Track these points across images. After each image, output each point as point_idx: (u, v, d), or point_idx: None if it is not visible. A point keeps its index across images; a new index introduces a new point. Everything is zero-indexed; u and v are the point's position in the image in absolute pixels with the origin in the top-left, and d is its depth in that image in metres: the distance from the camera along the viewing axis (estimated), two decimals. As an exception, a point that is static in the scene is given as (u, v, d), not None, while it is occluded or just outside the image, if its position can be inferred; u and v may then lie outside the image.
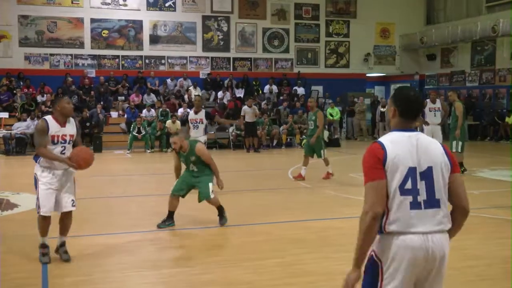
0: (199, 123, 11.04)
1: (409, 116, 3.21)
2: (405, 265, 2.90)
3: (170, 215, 7.80)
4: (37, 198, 6.07)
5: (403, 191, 2.94)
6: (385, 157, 2.97)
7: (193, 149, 7.60)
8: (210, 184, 7.62)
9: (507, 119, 22.40)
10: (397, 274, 2.91)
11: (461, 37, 24.82)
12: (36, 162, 6.09)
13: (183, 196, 7.84)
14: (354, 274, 2.95)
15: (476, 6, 25.60)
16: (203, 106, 12.42)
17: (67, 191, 6.16)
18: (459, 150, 13.02)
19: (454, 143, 13.11)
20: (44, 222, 6.14)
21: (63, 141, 6.03)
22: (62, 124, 6.03)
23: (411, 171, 2.97)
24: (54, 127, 5.97)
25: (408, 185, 2.95)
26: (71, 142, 6.11)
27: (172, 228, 7.77)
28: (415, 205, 2.94)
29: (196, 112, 11.16)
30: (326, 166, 12.60)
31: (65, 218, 6.26)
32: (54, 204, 6.09)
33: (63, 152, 6.04)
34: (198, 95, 14.66)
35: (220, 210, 7.80)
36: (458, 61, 26.57)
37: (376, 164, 2.96)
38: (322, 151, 12.37)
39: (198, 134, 10.87)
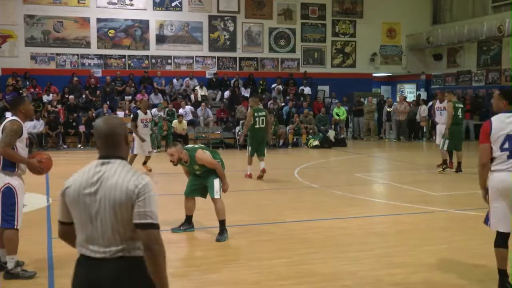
0: (149, 122, 13.42)
1: None
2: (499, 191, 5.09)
3: (187, 219, 7.62)
4: (15, 210, 5.55)
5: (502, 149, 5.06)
6: (490, 129, 5.10)
7: (193, 158, 7.17)
8: (216, 182, 7.22)
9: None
10: (495, 195, 5.14)
11: (467, 37, 24.73)
12: (10, 170, 5.56)
13: (202, 196, 7.57)
14: (482, 191, 5.39)
15: (482, 6, 25.50)
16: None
17: None
18: (444, 148, 13.44)
19: (441, 140, 13.49)
20: (17, 236, 5.66)
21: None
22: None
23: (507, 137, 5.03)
24: (24, 129, 5.65)
25: (506, 145, 5.04)
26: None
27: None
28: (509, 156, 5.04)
29: (145, 113, 13.30)
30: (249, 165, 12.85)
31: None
32: None
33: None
34: (144, 99, 16.73)
35: (222, 225, 7.27)
36: (465, 61, 26.48)
37: (484, 134, 5.15)
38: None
39: (147, 132, 13.48)
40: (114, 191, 2.75)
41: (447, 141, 13.33)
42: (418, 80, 29.04)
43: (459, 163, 13.53)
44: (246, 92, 24.08)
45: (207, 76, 24.98)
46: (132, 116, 13.95)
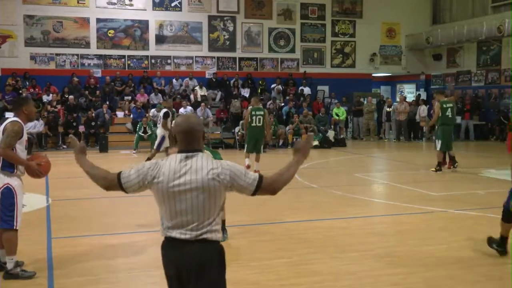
0: None
1: None
2: None
3: None
4: (14, 210, 5.54)
5: None
6: None
7: None
8: None
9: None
10: None
11: (467, 37, 24.72)
12: (9, 171, 5.55)
13: None
14: None
15: (481, 6, 25.50)
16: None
17: None
18: (437, 148, 13.57)
19: (436, 141, 13.64)
20: (16, 237, 5.67)
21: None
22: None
23: None
24: (24, 131, 5.65)
25: None
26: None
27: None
28: None
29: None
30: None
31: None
32: None
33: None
34: (169, 100, 17.52)
35: (222, 225, 7.40)
36: (464, 61, 26.49)
37: None
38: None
39: None
40: (204, 181, 3.12)
41: (440, 141, 13.40)
42: (417, 80, 29.04)
43: (452, 158, 13.59)
44: (245, 92, 24.07)
45: (207, 76, 24.98)
46: (163, 114, 14.52)
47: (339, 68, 27.14)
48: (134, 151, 19.06)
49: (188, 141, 3.25)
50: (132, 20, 24.15)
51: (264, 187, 3.29)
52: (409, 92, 29.40)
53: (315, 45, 26.86)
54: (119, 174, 3.32)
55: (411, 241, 7.12)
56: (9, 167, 5.56)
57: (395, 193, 11.12)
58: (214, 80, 24.56)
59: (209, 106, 22.64)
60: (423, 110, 23.09)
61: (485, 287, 5.50)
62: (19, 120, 5.58)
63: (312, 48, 26.86)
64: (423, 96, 26.97)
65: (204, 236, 3.16)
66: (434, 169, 13.49)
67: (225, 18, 25.38)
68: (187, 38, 24.86)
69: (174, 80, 24.02)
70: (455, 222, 8.29)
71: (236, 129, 20.84)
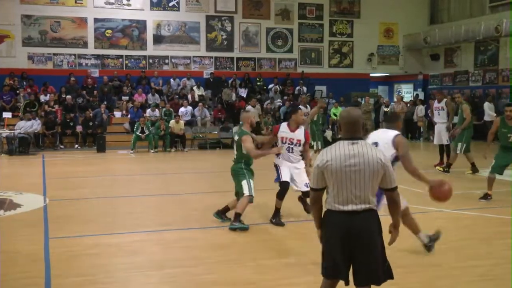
0: None
1: None
2: None
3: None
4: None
5: None
6: None
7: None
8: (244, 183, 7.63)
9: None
10: None
11: (464, 37, 24.72)
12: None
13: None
14: None
15: (479, 6, 25.53)
16: None
17: None
18: (458, 152, 13.27)
19: (459, 144, 13.14)
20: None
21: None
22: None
23: None
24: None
25: None
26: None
27: (178, 227, 7.77)
28: None
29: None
30: None
31: None
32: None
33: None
34: None
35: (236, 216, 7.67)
36: (462, 61, 26.51)
37: None
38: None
39: None
40: (372, 163, 3.80)
41: (463, 144, 13.13)
42: (415, 80, 29.06)
43: (472, 163, 13.42)
44: (243, 92, 24.05)
45: (205, 76, 24.98)
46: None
47: (337, 68, 27.16)
48: (131, 151, 19.06)
49: (352, 130, 3.92)
50: (130, 20, 24.14)
51: (393, 194, 4.00)
52: (406, 92, 29.42)
53: (313, 45, 26.87)
54: None
55: (410, 241, 7.11)
56: None
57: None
58: (212, 80, 24.54)
59: (207, 106, 22.65)
60: (420, 110, 23.10)
61: (481, 287, 5.50)
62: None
63: (310, 48, 26.87)
64: (421, 96, 27.01)
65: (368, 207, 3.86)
66: (470, 171, 13.25)
67: (222, 18, 25.38)
68: (184, 38, 24.85)
69: (171, 80, 24.01)
70: (452, 222, 8.30)
71: (234, 129, 20.83)
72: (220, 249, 6.75)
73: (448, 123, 14.24)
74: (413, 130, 23.93)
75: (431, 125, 19.20)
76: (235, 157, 7.83)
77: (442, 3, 28.00)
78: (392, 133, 5.88)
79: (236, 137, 7.91)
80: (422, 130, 23.93)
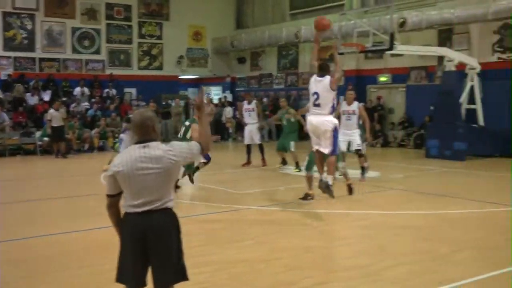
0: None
1: None
2: None
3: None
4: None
5: None
6: None
7: None
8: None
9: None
10: None
11: (268, 41, 25.91)
12: None
13: None
14: None
15: (280, 13, 27.04)
16: None
17: None
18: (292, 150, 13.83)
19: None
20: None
21: None
22: None
23: None
24: None
25: None
26: None
27: None
28: None
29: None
30: None
31: None
32: None
33: None
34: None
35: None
36: (266, 64, 27.86)
37: None
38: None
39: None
40: (163, 163, 3.79)
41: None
42: (223, 82, 29.89)
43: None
44: (46, 95, 22.62)
45: (2, 77, 23.04)
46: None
47: (147, 70, 26.89)
48: None
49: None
50: None
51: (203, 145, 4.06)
52: (215, 94, 30.15)
53: (122, 46, 26.28)
54: None
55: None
56: None
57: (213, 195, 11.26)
58: (10, 81, 22.71)
59: (5, 110, 20.89)
60: (228, 111, 23.81)
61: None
62: None
63: (119, 50, 26.24)
64: (229, 97, 27.88)
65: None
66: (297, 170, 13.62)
67: (22, 15, 23.68)
68: (-22, 36, 22.76)
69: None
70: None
71: (37, 134, 19.54)
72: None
73: (258, 123, 14.95)
74: (221, 131, 24.54)
75: (239, 126, 19.88)
76: None
77: (247, 9, 29.14)
78: None
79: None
80: (230, 131, 24.66)
